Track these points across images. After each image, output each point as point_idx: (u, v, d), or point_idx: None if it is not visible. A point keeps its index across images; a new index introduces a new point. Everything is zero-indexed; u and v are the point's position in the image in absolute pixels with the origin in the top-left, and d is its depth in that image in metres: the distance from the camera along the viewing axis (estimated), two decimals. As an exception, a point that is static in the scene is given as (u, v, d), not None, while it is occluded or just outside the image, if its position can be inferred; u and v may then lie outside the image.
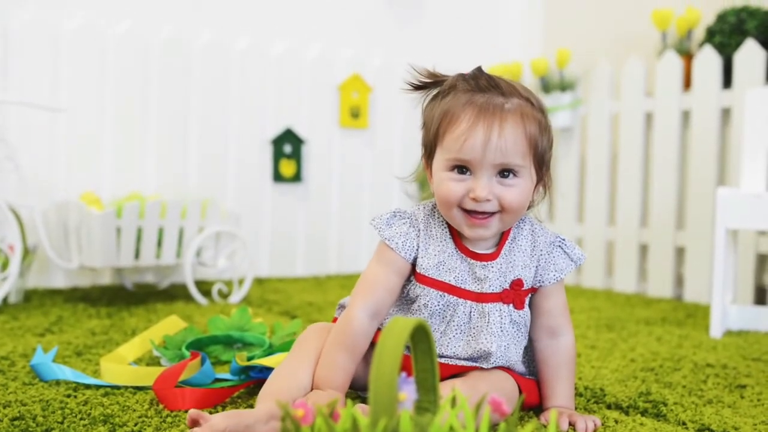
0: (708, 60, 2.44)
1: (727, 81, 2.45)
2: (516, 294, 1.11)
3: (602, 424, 1.10)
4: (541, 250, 1.13)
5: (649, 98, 2.64)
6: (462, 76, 1.08)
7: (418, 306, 1.11)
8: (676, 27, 2.59)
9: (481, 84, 1.06)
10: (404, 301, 1.14)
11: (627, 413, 1.19)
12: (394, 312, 1.15)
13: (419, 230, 1.12)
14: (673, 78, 2.54)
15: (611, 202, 2.81)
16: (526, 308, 1.13)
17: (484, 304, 1.10)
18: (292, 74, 2.76)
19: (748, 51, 2.35)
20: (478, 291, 1.10)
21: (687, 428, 1.11)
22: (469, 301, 1.10)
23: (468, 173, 1.05)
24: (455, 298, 1.10)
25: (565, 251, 1.14)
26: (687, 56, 2.57)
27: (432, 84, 1.12)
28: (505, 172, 1.04)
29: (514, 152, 1.03)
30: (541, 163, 1.08)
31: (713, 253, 2.35)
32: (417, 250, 1.11)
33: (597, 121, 2.78)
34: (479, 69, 1.08)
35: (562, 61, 2.81)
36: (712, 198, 2.40)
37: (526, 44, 3.33)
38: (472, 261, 1.11)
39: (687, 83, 2.56)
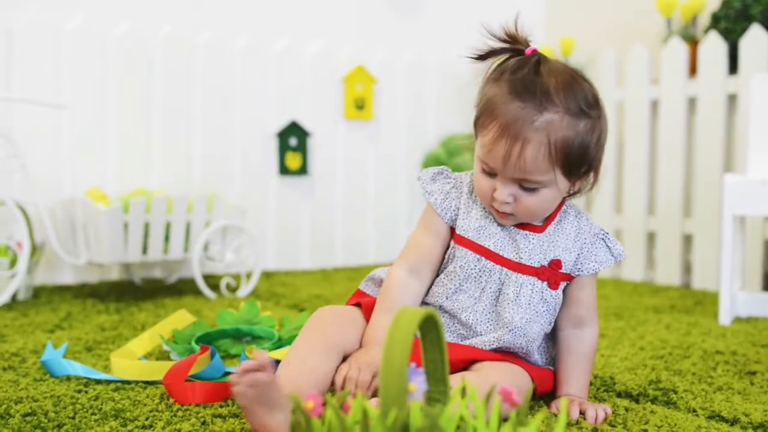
0: (713, 46, 2.43)
1: (733, 67, 2.44)
2: (552, 273, 1.12)
3: (613, 413, 1.10)
4: (585, 240, 1.14)
5: (654, 85, 2.63)
6: (511, 62, 1.08)
7: (454, 268, 1.12)
8: (681, 13, 2.58)
9: (525, 83, 1.04)
10: (443, 264, 1.16)
11: (637, 401, 1.19)
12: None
13: (462, 193, 1.15)
14: (679, 65, 2.53)
15: (618, 190, 2.80)
16: (559, 291, 1.13)
17: (519, 274, 1.11)
18: (294, 68, 2.75)
19: (754, 36, 2.34)
20: (517, 260, 1.11)
21: (697, 415, 1.11)
22: (505, 269, 1.11)
23: (495, 176, 1.07)
24: (492, 263, 1.11)
25: (607, 245, 1.15)
26: (692, 42, 2.56)
27: (500, 51, 1.11)
28: (525, 183, 1.05)
29: (532, 171, 1.03)
30: (577, 166, 1.06)
31: (721, 240, 2.35)
32: (457, 212, 1.14)
33: (602, 110, 2.77)
34: (529, 58, 1.08)
35: (567, 50, 2.80)
36: (719, 185, 2.40)
37: (529, 32, 3.31)
38: (514, 229, 1.12)
39: (692, 70, 2.55)
